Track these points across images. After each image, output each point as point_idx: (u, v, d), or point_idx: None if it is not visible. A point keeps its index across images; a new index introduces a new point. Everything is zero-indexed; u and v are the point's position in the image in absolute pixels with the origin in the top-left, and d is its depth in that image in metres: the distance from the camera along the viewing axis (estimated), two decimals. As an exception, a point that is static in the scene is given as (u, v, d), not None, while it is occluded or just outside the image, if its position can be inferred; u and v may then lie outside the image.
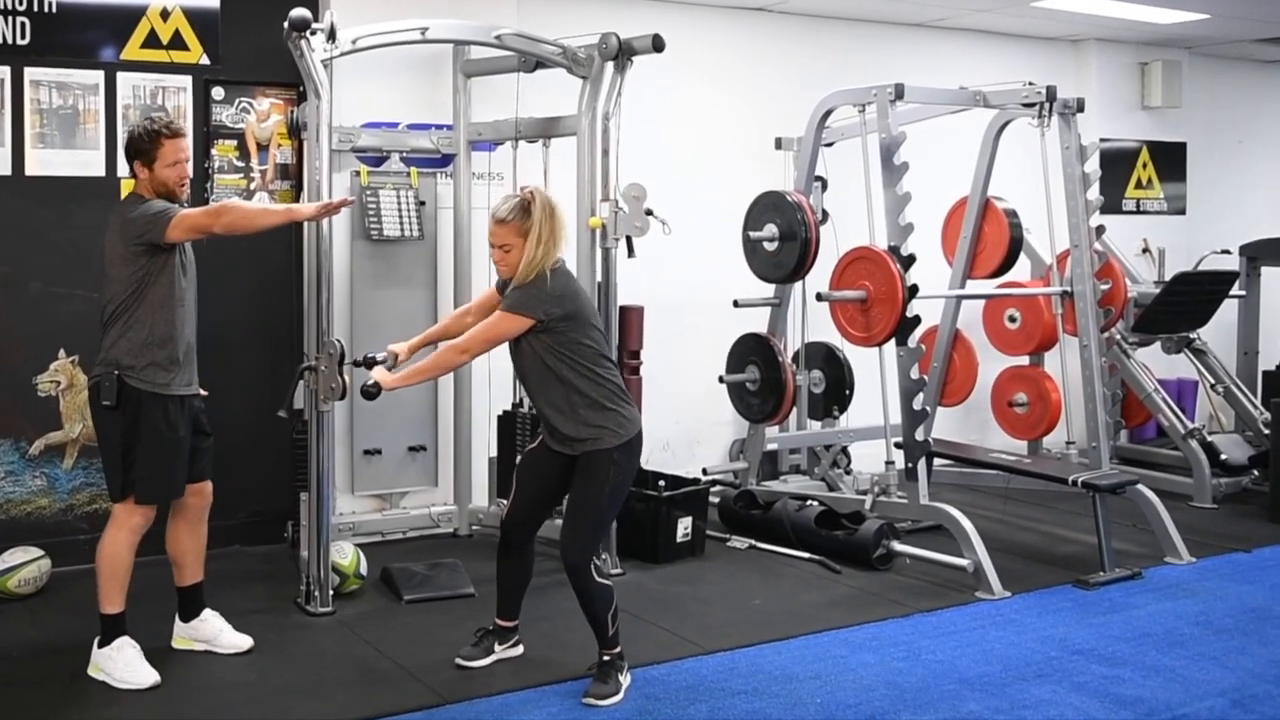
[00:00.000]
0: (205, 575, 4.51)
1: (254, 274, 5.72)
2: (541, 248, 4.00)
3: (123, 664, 4.14)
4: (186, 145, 4.26)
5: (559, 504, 4.27)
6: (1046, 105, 6.13)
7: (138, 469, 4.14)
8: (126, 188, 5.39)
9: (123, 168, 5.41)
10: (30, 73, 5.32)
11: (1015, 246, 6.87)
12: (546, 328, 3.99)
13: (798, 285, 6.56)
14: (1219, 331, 7.83)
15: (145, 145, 4.16)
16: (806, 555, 5.78)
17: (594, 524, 4.10)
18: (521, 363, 4.10)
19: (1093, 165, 6.39)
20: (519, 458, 4.22)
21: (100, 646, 4.19)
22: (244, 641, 4.46)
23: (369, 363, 4.15)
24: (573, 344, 4.02)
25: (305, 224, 5.22)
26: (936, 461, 6.45)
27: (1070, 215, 6.36)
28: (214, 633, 4.45)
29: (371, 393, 4.00)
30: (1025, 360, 7.29)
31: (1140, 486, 5.95)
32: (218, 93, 5.67)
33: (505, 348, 4.13)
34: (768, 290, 6.55)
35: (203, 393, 4.36)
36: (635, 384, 6.02)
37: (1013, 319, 7.22)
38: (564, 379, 4.02)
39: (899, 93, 5.81)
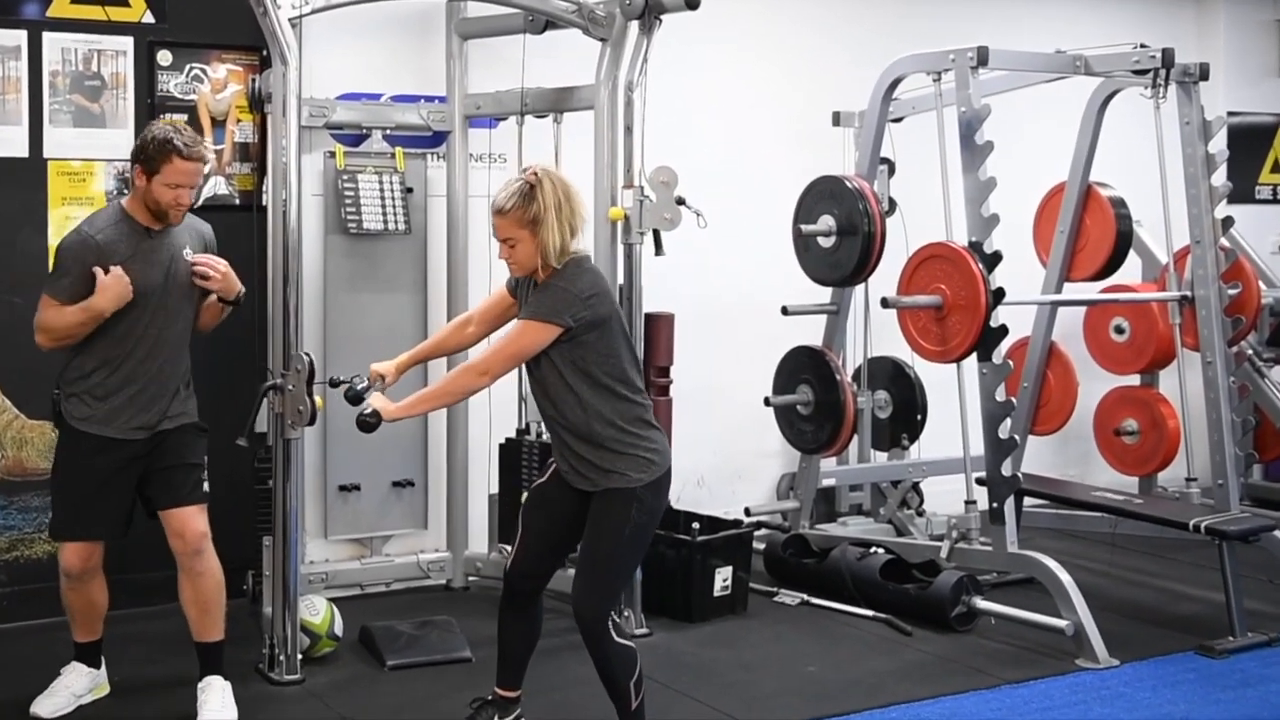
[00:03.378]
0: (153, 634, 4.73)
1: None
2: (558, 237, 3.97)
3: (59, 685, 4.62)
4: (199, 171, 4.46)
5: (573, 549, 4.25)
6: (1162, 72, 6.12)
7: (54, 499, 4.60)
8: (54, 171, 5.48)
9: (50, 147, 5.49)
10: (-61, 34, 5.38)
11: (1123, 242, 6.84)
12: (572, 336, 3.96)
13: (859, 289, 6.55)
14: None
15: (152, 153, 4.38)
16: (870, 613, 5.78)
17: (612, 573, 4.09)
18: (539, 379, 4.06)
19: (1219, 144, 6.36)
20: (525, 494, 4.19)
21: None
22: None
23: (350, 394, 4.10)
24: (600, 357, 4.00)
25: (270, 216, 5.24)
26: (1028, 501, 6.43)
27: (1191, 205, 6.33)
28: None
29: (371, 423, 3.98)
30: (1135, 380, 7.25)
31: (1277, 533, 5.91)
32: (164, 57, 5.68)
33: None
34: (823, 295, 6.54)
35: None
36: (664, 406, 5.99)
37: (1120, 330, 7.18)
38: (586, 401, 3.99)
39: (982, 57, 5.79)
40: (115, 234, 4.40)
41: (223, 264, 4.55)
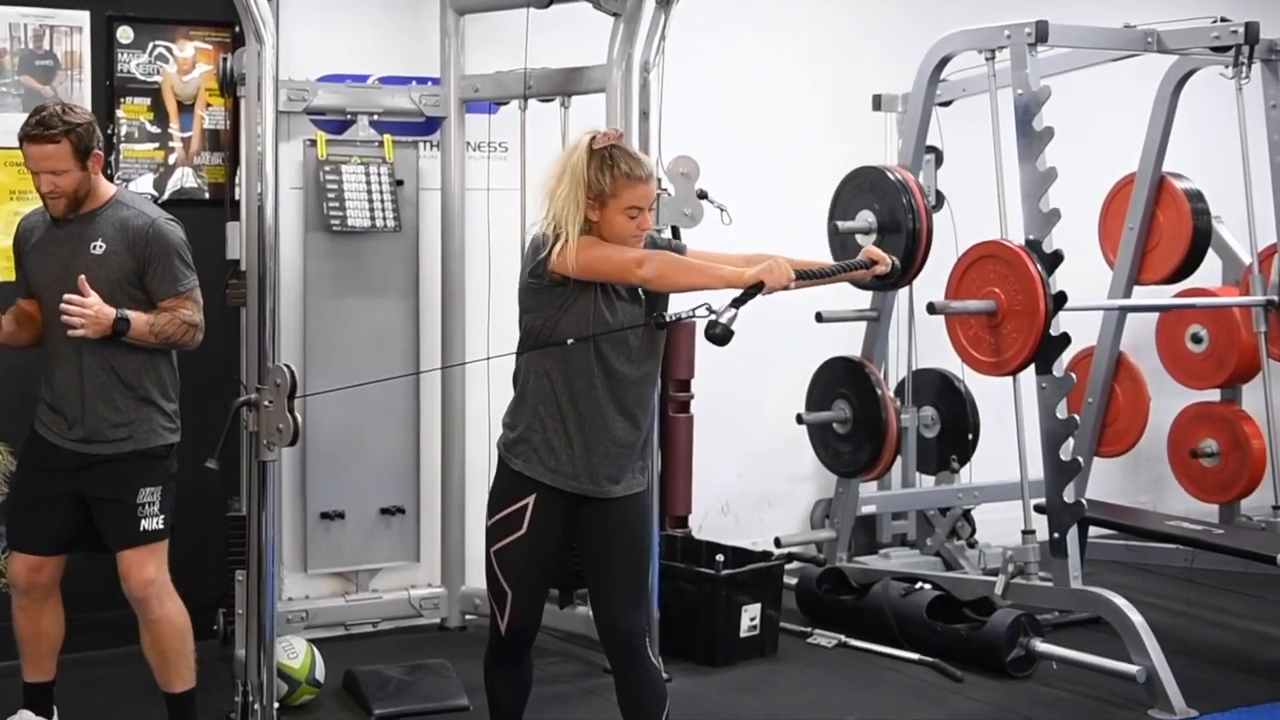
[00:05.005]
0: (114, 680, 4.82)
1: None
2: None
3: None
4: (53, 155, 4.32)
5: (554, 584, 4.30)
6: (1245, 49, 6.10)
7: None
8: (1, 161, 5.47)
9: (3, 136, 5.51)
10: (-128, 9, 5.42)
11: (1200, 241, 6.84)
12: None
13: (903, 293, 6.57)
14: None
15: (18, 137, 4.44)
16: (916, 656, 5.78)
17: (646, 581, 4.22)
18: (647, 359, 4.09)
19: (1310, 130, 6.35)
20: (496, 553, 4.17)
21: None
22: None
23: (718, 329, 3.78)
24: None
25: (244, 211, 5.25)
26: (1093, 531, 6.41)
27: (1278, 198, 6.31)
28: None
29: (723, 335, 3.73)
30: (1215, 395, 7.24)
31: (1374, 567, 5.88)
32: (125, 34, 5.69)
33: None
34: (862, 300, 6.55)
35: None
36: (684, 424, 6.00)
37: (1198, 339, 7.17)
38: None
39: (1041, 33, 5.80)
40: (36, 219, 4.52)
41: (90, 305, 4.25)
